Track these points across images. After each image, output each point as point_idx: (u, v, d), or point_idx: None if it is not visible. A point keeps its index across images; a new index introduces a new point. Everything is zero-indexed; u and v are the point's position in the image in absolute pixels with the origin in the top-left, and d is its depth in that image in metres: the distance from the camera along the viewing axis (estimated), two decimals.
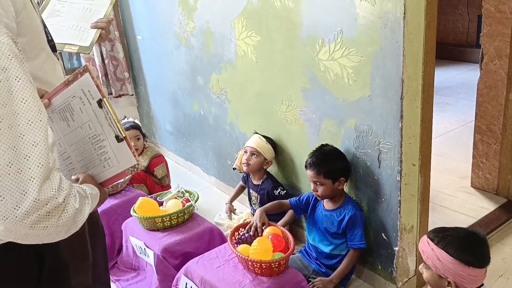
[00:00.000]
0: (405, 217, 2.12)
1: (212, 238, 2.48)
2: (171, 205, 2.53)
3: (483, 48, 2.81)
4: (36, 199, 0.79)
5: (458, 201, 2.99)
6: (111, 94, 4.29)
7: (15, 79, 0.79)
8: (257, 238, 2.10)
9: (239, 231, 2.27)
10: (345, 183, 2.25)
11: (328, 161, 2.20)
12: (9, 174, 0.77)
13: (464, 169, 3.24)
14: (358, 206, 2.27)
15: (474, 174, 3.08)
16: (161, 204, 2.61)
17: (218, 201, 3.32)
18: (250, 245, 2.10)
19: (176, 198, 2.60)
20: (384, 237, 2.21)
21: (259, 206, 2.76)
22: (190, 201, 2.57)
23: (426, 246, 1.56)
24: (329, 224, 2.29)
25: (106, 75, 4.20)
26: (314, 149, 2.29)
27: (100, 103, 1.07)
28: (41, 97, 1.06)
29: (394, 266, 2.20)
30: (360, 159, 2.20)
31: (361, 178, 2.23)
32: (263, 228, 2.22)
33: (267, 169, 2.79)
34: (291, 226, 2.77)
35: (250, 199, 2.89)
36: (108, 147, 1.08)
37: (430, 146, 2.10)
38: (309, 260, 2.39)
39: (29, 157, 0.79)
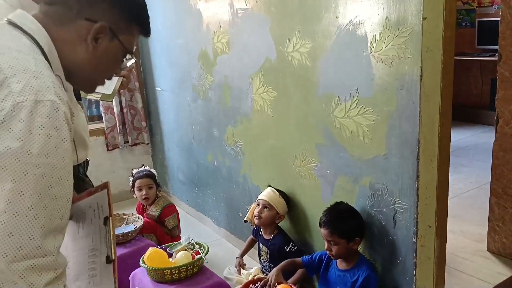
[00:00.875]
0: (421, 280, 2.06)
1: None
2: (181, 257, 2.49)
3: (498, 111, 2.83)
4: (38, 246, 0.84)
5: (474, 265, 2.91)
6: (127, 142, 4.35)
7: (62, 140, 0.87)
8: None
9: None
10: (360, 243, 2.21)
11: (343, 220, 2.17)
12: (26, 216, 0.83)
13: (480, 233, 3.17)
14: (372, 267, 2.21)
15: (490, 238, 3.01)
16: (170, 255, 2.57)
17: (228, 254, 3.26)
18: None
19: (186, 250, 2.57)
20: None
21: (269, 262, 2.71)
22: (200, 254, 2.53)
23: None
24: (342, 285, 2.23)
25: (123, 124, 4.28)
26: (329, 206, 2.27)
27: (106, 220, 1.13)
28: None
29: None
30: (375, 218, 2.17)
31: (376, 237, 2.19)
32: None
33: (279, 224, 2.76)
34: (302, 286, 2.70)
35: (259, 253, 2.85)
36: (98, 264, 1.13)
37: (446, 208, 2.07)
38: None
39: (47, 208, 0.86)
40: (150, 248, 2.50)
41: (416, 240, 2.00)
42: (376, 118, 2.05)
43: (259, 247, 2.85)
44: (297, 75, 2.47)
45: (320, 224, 2.23)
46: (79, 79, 1.09)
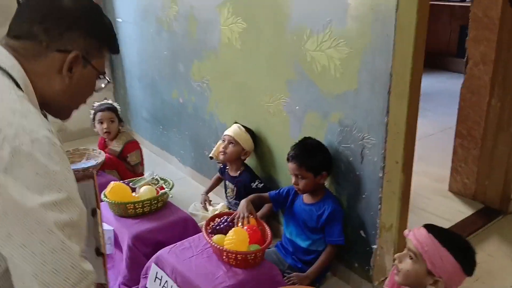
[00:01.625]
0: (385, 215, 2.09)
1: (185, 228, 2.40)
2: (144, 192, 2.43)
3: (468, 53, 2.81)
4: (83, 270, 0.86)
5: (435, 204, 2.99)
6: None
7: (68, 171, 0.90)
8: (233, 229, 2.03)
9: (215, 221, 2.20)
10: (327, 177, 2.21)
11: (311, 154, 2.15)
12: (62, 250, 0.83)
13: (442, 174, 3.24)
14: (338, 202, 2.22)
15: (452, 178, 3.08)
16: (133, 190, 2.51)
17: (193, 192, 3.23)
18: (225, 235, 2.03)
19: (150, 185, 2.51)
20: (363, 234, 2.17)
21: (235, 199, 2.69)
22: (164, 189, 2.48)
23: (429, 242, 1.48)
24: (307, 218, 2.24)
25: None
26: (297, 142, 2.24)
27: (94, 212, 1.12)
28: None
29: (371, 264, 2.16)
30: (343, 154, 2.15)
31: (343, 173, 2.19)
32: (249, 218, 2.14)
33: (245, 162, 2.72)
34: (267, 220, 2.71)
35: (226, 191, 2.82)
36: (87, 255, 1.10)
37: (414, 144, 2.07)
38: (285, 254, 2.34)
39: (74, 235, 0.87)
40: (112, 182, 2.42)
41: (383, 175, 2.00)
42: (349, 51, 1.98)
43: (225, 184, 2.82)
44: (268, 6, 2.35)
45: (288, 159, 2.20)
46: (56, 108, 1.07)
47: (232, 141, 2.59)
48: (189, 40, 3.05)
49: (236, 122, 2.70)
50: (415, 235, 1.54)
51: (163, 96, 3.59)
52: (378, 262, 2.17)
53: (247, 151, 2.62)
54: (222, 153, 2.63)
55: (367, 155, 2.04)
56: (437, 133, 4.20)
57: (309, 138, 2.23)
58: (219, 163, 2.85)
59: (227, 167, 2.78)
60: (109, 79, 1.19)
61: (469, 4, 2.81)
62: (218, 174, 2.95)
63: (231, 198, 2.74)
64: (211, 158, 2.82)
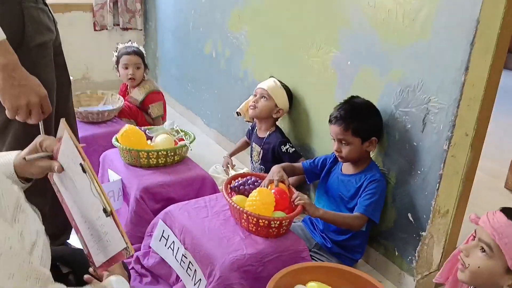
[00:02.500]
0: (443, 198, 1.73)
1: (203, 187, 2.09)
2: (161, 141, 2.13)
3: None
4: None
5: (487, 201, 2.60)
6: (118, 25, 3.87)
7: None
8: (258, 188, 1.71)
9: (238, 180, 1.88)
10: (376, 145, 1.86)
11: (360, 115, 1.80)
12: None
13: (499, 169, 2.84)
14: (382, 175, 1.87)
15: (510, 173, 2.68)
16: (150, 138, 2.21)
17: (216, 156, 2.92)
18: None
19: (168, 134, 2.20)
20: (411, 218, 1.81)
21: (260, 163, 2.37)
22: (184, 141, 2.17)
23: (509, 229, 1.13)
24: (344, 191, 1.90)
25: (115, 2, 3.78)
26: (343, 101, 1.89)
27: (82, 167, 0.97)
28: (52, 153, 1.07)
29: (416, 254, 1.81)
30: (399, 119, 1.80)
31: (395, 143, 1.83)
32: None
33: (277, 123, 2.38)
34: None
35: (251, 154, 2.49)
36: (103, 219, 0.99)
37: (489, 115, 1.70)
38: (313, 231, 2.00)
39: None
40: (126, 125, 2.12)
41: (448, 148, 1.64)
42: None
43: (251, 147, 2.50)
44: None
45: (330, 120, 1.86)
46: None
47: (265, 95, 2.26)
48: None
49: (272, 76, 2.36)
50: (490, 221, 1.15)
51: (195, 50, 3.27)
52: (425, 253, 1.81)
53: (280, 109, 2.28)
54: (252, 107, 2.29)
55: (431, 122, 1.67)
56: (495, 131, 3.78)
57: (357, 97, 1.88)
58: (247, 121, 2.52)
59: (256, 128, 2.45)
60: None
61: None
62: (245, 138, 2.63)
63: (256, 162, 2.41)
64: (238, 114, 2.50)
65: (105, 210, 0.97)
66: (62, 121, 1.03)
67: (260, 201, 1.63)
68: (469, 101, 1.59)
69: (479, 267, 1.16)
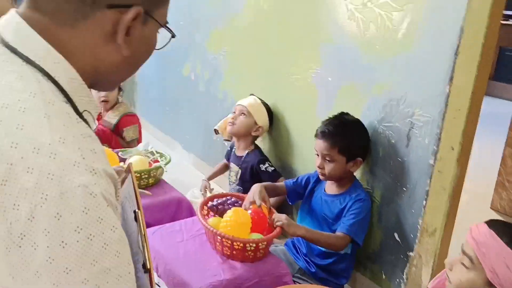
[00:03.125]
0: (430, 216, 1.65)
1: (179, 210, 1.98)
2: (135, 163, 2.01)
3: None
4: None
5: (474, 220, 2.51)
6: None
7: (111, 230, 0.61)
8: (233, 208, 1.60)
9: (214, 201, 1.77)
10: (360, 166, 1.78)
11: (349, 134, 1.72)
12: None
13: (485, 189, 2.79)
14: (367, 195, 1.79)
15: (496, 194, 2.64)
16: (123, 160, 2.09)
17: (194, 181, 2.81)
18: None
19: (142, 156, 2.10)
20: (398, 238, 1.72)
21: (238, 184, 2.26)
22: (159, 162, 2.07)
23: (488, 240, 1.06)
24: (328, 211, 1.80)
25: None
26: (332, 116, 1.81)
27: (135, 214, 0.91)
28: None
29: (404, 277, 1.71)
30: (383, 135, 1.73)
31: (380, 160, 1.76)
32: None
33: (257, 142, 2.30)
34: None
35: (229, 176, 2.39)
36: (139, 273, 0.89)
37: (475, 128, 1.63)
38: (296, 256, 1.89)
39: None
40: None
41: (434, 162, 1.57)
42: (407, 1, 1.58)
43: (229, 168, 2.39)
44: None
45: (317, 135, 1.77)
46: (105, 83, 0.77)
47: (245, 111, 2.18)
48: (210, 5, 2.68)
49: (252, 94, 2.29)
50: (473, 233, 1.10)
51: (174, 72, 3.21)
52: (413, 274, 1.72)
53: (260, 126, 2.20)
54: (231, 123, 2.21)
55: (416, 136, 1.61)
56: (479, 154, 3.76)
57: (347, 114, 1.81)
58: (225, 140, 2.43)
59: (234, 148, 2.36)
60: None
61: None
62: (224, 161, 2.53)
63: (234, 183, 2.31)
64: (216, 132, 2.40)
65: (144, 266, 0.90)
66: (130, 164, 0.97)
67: (235, 221, 1.53)
68: (455, 112, 1.53)
69: (460, 280, 1.10)
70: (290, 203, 2.03)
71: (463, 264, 1.10)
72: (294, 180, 1.97)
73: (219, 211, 1.69)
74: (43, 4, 0.66)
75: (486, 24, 1.44)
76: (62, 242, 0.58)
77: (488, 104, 4.96)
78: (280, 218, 1.63)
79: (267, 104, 2.23)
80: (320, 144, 1.74)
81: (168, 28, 0.77)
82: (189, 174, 3.00)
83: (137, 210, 0.91)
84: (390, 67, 1.67)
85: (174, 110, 3.29)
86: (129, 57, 0.72)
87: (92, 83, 0.73)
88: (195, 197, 2.43)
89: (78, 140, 0.61)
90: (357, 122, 1.77)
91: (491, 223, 1.10)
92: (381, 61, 1.70)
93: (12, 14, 0.67)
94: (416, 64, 1.58)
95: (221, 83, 2.69)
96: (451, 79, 1.48)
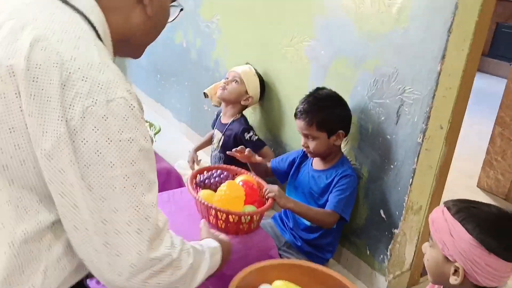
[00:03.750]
0: (416, 193, 1.66)
1: (168, 181, 1.98)
2: None
3: None
4: (151, 258, 0.79)
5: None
6: None
7: (145, 140, 0.77)
8: (227, 182, 1.60)
9: (203, 174, 1.77)
10: (344, 139, 1.78)
11: (324, 108, 1.71)
12: (127, 233, 0.76)
13: (472, 167, 2.81)
14: (354, 170, 1.79)
15: (483, 172, 2.66)
16: None
17: (184, 151, 2.81)
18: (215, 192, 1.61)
19: None
20: (383, 215, 1.74)
21: (220, 152, 2.25)
22: (149, 132, 2.05)
23: (439, 215, 1.08)
24: (315, 187, 1.81)
25: None
26: (308, 93, 1.80)
27: None
28: None
29: (388, 253, 1.74)
30: (372, 111, 1.72)
31: (368, 136, 1.76)
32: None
33: (247, 114, 2.28)
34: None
35: (212, 142, 2.38)
36: None
37: (465, 108, 1.64)
38: (283, 229, 1.91)
39: (150, 218, 0.78)
40: None
41: (422, 140, 1.57)
42: None
43: (213, 134, 2.38)
44: None
45: (295, 115, 1.77)
46: (133, 46, 0.94)
47: (237, 78, 2.16)
48: None
49: (248, 63, 2.26)
50: (432, 213, 1.13)
51: (165, 39, 3.14)
52: (397, 251, 1.75)
53: (250, 96, 2.18)
54: (222, 88, 2.18)
55: (406, 113, 1.61)
56: (468, 132, 3.78)
57: (323, 88, 1.80)
58: (214, 105, 2.40)
59: (221, 114, 2.34)
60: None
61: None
62: (212, 131, 2.52)
63: (215, 150, 2.29)
64: (205, 96, 2.37)
65: None
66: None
67: (230, 195, 1.53)
68: (445, 91, 1.53)
69: (428, 260, 1.13)
70: (281, 183, 2.02)
71: (429, 244, 1.13)
72: (280, 158, 1.97)
73: (206, 186, 1.69)
74: None
75: (480, 1, 1.42)
76: (108, 139, 0.71)
77: (481, 81, 4.99)
78: (272, 189, 1.64)
79: (261, 75, 2.20)
80: (299, 123, 1.74)
81: (177, 2, 0.95)
82: (179, 144, 2.99)
83: None
84: (383, 43, 1.65)
85: (166, 77, 3.25)
86: (151, 18, 0.89)
87: (120, 47, 0.87)
88: (182, 168, 2.42)
89: (116, 69, 0.77)
90: (332, 95, 1.76)
91: (447, 201, 1.12)
92: (374, 36, 1.67)
93: None
94: (409, 41, 1.56)
95: (213, 52, 2.65)
96: (443, 57, 1.47)
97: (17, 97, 0.71)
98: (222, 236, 1.20)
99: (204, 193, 1.63)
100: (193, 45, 2.83)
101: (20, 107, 0.71)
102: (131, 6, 0.87)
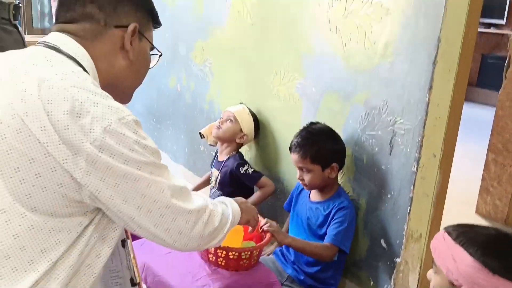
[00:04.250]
0: (415, 222, 1.68)
1: None
2: None
3: (510, 53, 2.46)
4: (197, 211, 0.99)
5: None
6: None
7: (152, 144, 0.92)
8: None
9: None
10: (340, 172, 1.81)
11: (317, 142, 1.75)
12: (172, 203, 0.94)
13: (470, 194, 2.84)
14: (351, 202, 1.81)
15: (481, 199, 2.68)
16: None
17: None
18: None
19: None
20: (384, 245, 1.75)
21: (218, 189, 2.26)
22: None
23: (441, 241, 1.12)
24: (313, 218, 1.82)
25: None
26: (302, 128, 1.85)
27: (123, 242, 1.09)
28: None
29: (392, 283, 1.74)
30: (366, 143, 1.76)
31: (364, 168, 1.79)
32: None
33: (244, 152, 2.32)
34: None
35: (210, 181, 2.40)
36: (122, 286, 1.11)
37: (456, 135, 1.67)
38: (285, 264, 1.91)
39: (183, 188, 0.98)
40: None
41: (417, 169, 1.60)
42: (385, 13, 1.62)
43: (211, 173, 2.40)
44: None
45: (290, 148, 1.81)
46: (120, 90, 1.03)
47: (232, 117, 2.20)
48: (194, 17, 2.71)
49: (241, 103, 2.31)
50: (433, 240, 1.18)
51: (160, 85, 3.22)
52: (401, 280, 1.74)
53: (245, 134, 2.22)
54: (217, 127, 2.23)
55: (398, 144, 1.65)
56: (462, 159, 3.82)
57: (317, 123, 1.85)
58: (210, 145, 2.43)
59: (217, 154, 2.37)
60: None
61: (492, 31, 2.48)
62: (210, 171, 2.54)
63: (214, 188, 2.30)
64: (201, 136, 2.41)
65: (132, 280, 1.11)
66: None
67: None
68: (435, 120, 1.57)
69: (434, 286, 1.16)
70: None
71: (433, 271, 1.16)
72: (288, 200, 2.02)
73: None
74: (72, 29, 0.95)
75: (462, 34, 1.49)
76: (130, 149, 0.85)
77: (472, 110, 5.09)
78: (271, 224, 1.66)
79: (254, 114, 2.26)
80: (294, 157, 1.78)
81: (156, 48, 1.09)
82: None
83: (127, 240, 1.09)
84: (371, 77, 1.71)
85: (161, 121, 3.30)
86: (134, 63, 1.01)
87: (109, 91, 0.92)
88: None
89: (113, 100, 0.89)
90: (325, 129, 1.81)
91: (448, 227, 1.15)
92: (362, 71, 1.74)
93: (53, 33, 0.96)
94: (396, 74, 1.62)
95: (207, 94, 2.71)
96: (430, 88, 1.52)
97: (33, 131, 0.79)
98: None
99: None
100: (187, 88, 2.89)
101: (38, 139, 0.79)
102: (115, 52, 0.99)
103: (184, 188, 0.97)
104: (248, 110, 2.24)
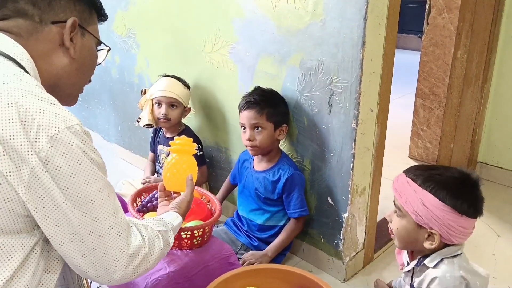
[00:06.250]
0: (358, 176, 1.73)
1: None
2: None
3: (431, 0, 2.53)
4: (130, 254, 0.91)
5: (394, 172, 2.69)
6: None
7: (99, 155, 0.86)
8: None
9: (142, 196, 1.73)
10: (286, 133, 1.82)
11: (272, 101, 1.77)
12: (109, 235, 0.87)
13: (400, 140, 2.97)
14: (296, 166, 1.84)
15: (412, 143, 2.81)
16: None
17: (122, 170, 2.73)
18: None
19: None
20: (331, 201, 1.79)
21: None
22: None
23: (405, 187, 1.15)
24: (261, 188, 1.83)
25: None
26: (250, 91, 1.83)
27: None
28: None
29: (342, 237, 1.80)
30: (305, 105, 1.76)
31: (305, 129, 1.80)
32: None
33: (187, 122, 2.26)
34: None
35: (158, 159, 2.33)
36: None
37: (390, 88, 1.72)
38: (238, 233, 1.92)
39: (123, 220, 0.90)
40: None
41: (357, 125, 1.63)
42: None
43: (157, 151, 2.32)
44: None
45: (241, 107, 1.78)
46: (64, 90, 0.96)
47: (175, 103, 2.11)
48: None
49: (166, 75, 2.20)
50: (394, 184, 1.22)
51: None
52: (349, 234, 1.81)
53: (188, 108, 2.17)
54: (164, 120, 2.11)
55: (337, 102, 1.66)
56: (391, 106, 3.97)
57: (262, 87, 1.84)
58: (147, 126, 2.27)
59: (161, 130, 2.29)
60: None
61: None
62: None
63: (162, 166, 2.25)
64: (148, 126, 2.22)
65: None
66: None
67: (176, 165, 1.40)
68: (370, 76, 1.60)
69: (398, 229, 1.21)
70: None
71: (396, 214, 1.20)
72: (233, 172, 2.04)
73: (149, 209, 1.65)
74: (5, 26, 0.87)
75: None
76: (78, 161, 0.79)
77: (395, 56, 5.26)
78: (249, 261, 1.74)
79: (183, 80, 2.17)
80: (247, 114, 1.75)
81: (103, 44, 1.03)
82: (115, 164, 2.89)
83: None
84: (304, 37, 1.68)
85: (88, 100, 3.12)
86: (76, 60, 0.94)
87: (51, 93, 0.86)
88: (126, 189, 2.35)
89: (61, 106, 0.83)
90: (275, 92, 1.81)
91: (407, 171, 1.20)
92: (294, 32, 1.71)
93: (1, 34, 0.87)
94: (328, 32, 1.60)
95: (135, 67, 2.58)
96: (363, 44, 1.53)
97: None
98: (179, 198, 1.27)
99: (149, 216, 1.59)
100: (112, 62, 2.73)
101: None
102: (55, 50, 0.92)
103: (128, 227, 0.92)
104: (176, 79, 2.14)
